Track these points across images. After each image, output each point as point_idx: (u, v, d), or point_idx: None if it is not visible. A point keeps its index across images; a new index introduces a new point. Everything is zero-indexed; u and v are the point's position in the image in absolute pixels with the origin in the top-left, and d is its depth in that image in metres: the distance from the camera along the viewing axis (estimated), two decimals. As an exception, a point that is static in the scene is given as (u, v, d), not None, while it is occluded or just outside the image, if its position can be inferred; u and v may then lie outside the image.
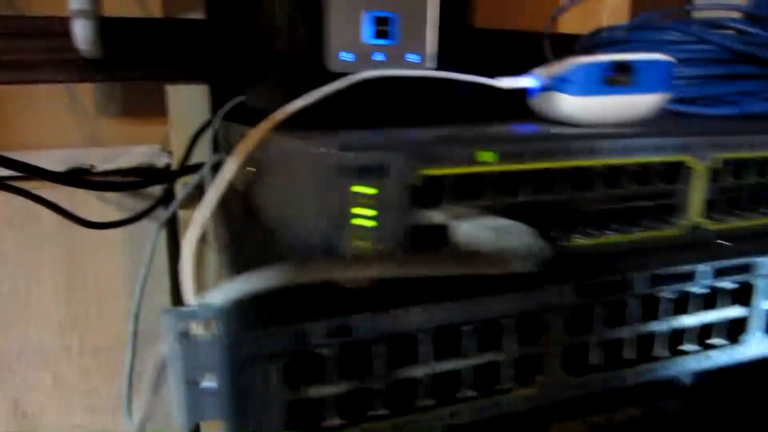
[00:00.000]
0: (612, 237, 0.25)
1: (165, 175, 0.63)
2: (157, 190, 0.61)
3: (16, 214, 0.60)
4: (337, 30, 0.34)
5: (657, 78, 0.27)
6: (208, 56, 0.58)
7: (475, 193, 0.23)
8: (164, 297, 0.63)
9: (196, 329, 0.22)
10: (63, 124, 0.64)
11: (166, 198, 0.62)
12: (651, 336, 0.25)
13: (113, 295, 0.63)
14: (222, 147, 0.55)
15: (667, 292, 0.25)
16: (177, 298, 0.64)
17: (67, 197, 0.62)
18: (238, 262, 0.28)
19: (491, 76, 0.37)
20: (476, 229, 0.21)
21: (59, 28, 0.52)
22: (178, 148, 0.60)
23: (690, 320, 0.26)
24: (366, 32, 0.35)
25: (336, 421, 0.21)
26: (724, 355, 0.26)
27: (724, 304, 0.26)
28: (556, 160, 0.23)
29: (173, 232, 0.63)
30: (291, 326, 0.20)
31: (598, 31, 0.56)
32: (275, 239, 0.28)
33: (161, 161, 0.66)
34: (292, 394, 0.20)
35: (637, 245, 0.26)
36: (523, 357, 0.23)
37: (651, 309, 0.25)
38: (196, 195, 0.59)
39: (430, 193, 0.22)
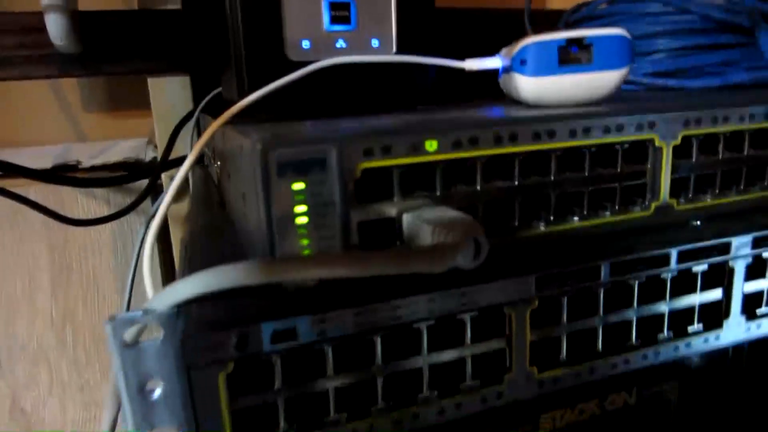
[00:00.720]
0: (575, 223, 0.24)
1: (150, 169, 0.61)
2: (144, 183, 0.59)
3: (3, 212, 0.59)
4: (294, 18, 0.32)
5: (615, 54, 0.25)
6: (187, 47, 0.56)
7: (423, 183, 0.21)
8: (156, 290, 0.62)
9: (143, 334, 0.21)
10: (48, 120, 0.63)
11: (153, 191, 0.61)
12: (625, 325, 0.24)
13: (104, 289, 0.62)
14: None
15: (638, 278, 0.23)
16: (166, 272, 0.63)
17: (53, 193, 0.61)
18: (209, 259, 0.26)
19: (462, 58, 0.35)
20: (417, 222, 0.19)
21: (36, 23, 0.50)
22: (163, 141, 0.59)
23: (665, 307, 0.24)
24: (324, 18, 0.33)
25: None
26: (703, 342, 0.25)
27: (701, 288, 0.25)
28: (508, 145, 0.22)
29: (162, 226, 0.62)
30: (235, 329, 0.19)
31: (579, 6, 0.54)
32: (234, 237, 0.27)
33: (148, 155, 0.64)
34: (239, 400, 0.19)
35: (605, 230, 0.24)
36: (487, 354, 0.22)
37: (622, 297, 0.23)
38: (185, 188, 0.57)
39: (374, 186, 0.20)
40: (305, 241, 0.19)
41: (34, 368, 0.62)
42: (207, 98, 0.54)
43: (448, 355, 0.21)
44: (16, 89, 0.59)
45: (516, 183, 0.22)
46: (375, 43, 0.34)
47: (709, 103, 0.25)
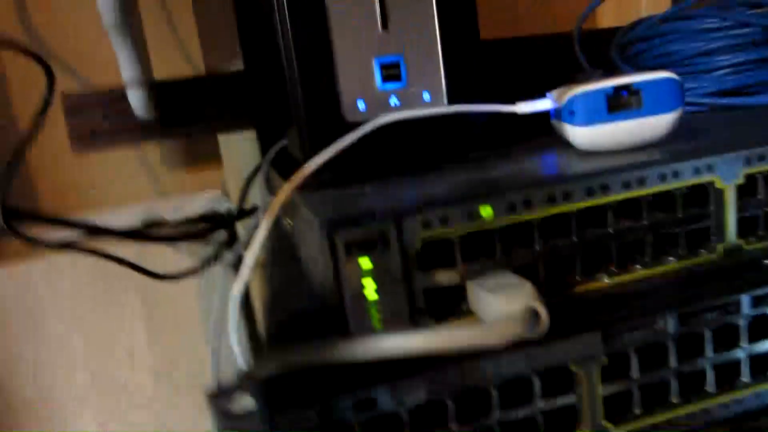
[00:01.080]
0: (639, 271, 0.24)
1: (227, 220, 0.65)
2: (222, 234, 0.63)
3: (98, 271, 0.64)
4: (348, 80, 0.34)
5: (665, 98, 0.25)
6: (251, 103, 0.60)
7: (483, 246, 0.22)
8: (241, 335, 0.66)
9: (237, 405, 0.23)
10: (132, 180, 0.68)
11: (231, 241, 0.64)
12: (700, 373, 0.23)
13: (193, 337, 0.66)
14: (273, 190, 0.56)
15: (709, 326, 0.23)
16: (252, 334, 0.66)
17: (142, 249, 0.66)
18: (283, 315, 0.28)
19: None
20: (479, 291, 0.20)
21: (117, 96, 0.56)
22: (235, 193, 0.63)
23: (741, 353, 0.23)
24: (376, 78, 0.34)
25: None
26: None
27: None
28: (562, 204, 0.22)
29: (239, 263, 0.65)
30: (318, 403, 0.20)
31: (633, 25, 0.53)
32: (310, 298, 0.28)
33: (223, 206, 0.68)
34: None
35: (669, 277, 0.24)
36: (557, 410, 0.22)
37: (695, 343, 0.23)
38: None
39: (437, 252, 0.21)
40: (375, 312, 0.21)
41: (140, 411, 0.66)
42: (272, 152, 0.57)
43: (519, 413, 0.21)
44: (102, 154, 0.65)
45: (574, 239, 0.23)
46: (426, 96, 0.36)
47: (765, 137, 0.24)
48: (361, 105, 0.35)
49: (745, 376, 0.24)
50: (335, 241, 0.20)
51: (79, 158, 0.61)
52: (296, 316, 0.27)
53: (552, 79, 0.59)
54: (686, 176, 0.23)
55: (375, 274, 0.20)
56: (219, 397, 0.22)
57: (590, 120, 0.25)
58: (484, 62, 0.37)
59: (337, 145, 0.32)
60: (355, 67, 0.34)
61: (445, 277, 0.22)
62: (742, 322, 0.23)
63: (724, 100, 0.43)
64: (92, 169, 0.66)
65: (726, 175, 0.24)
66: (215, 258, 0.61)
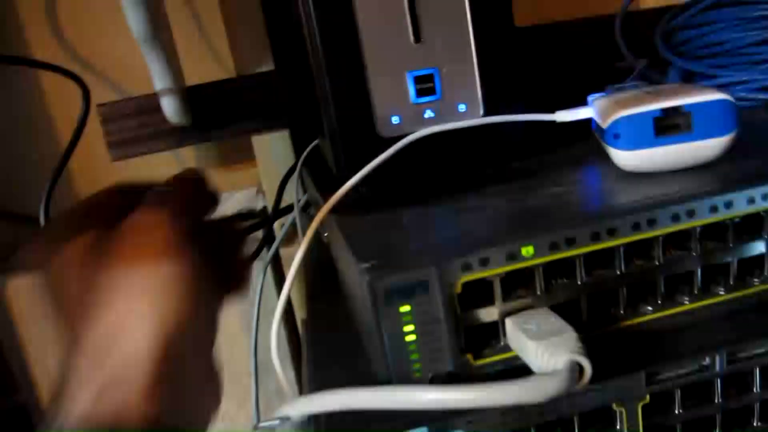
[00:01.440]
0: (686, 305, 0.23)
1: (263, 219, 0.66)
2: (259, 232, 0.65)
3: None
4: (381, 95, 0.34)
5: (717, 121, 0.24)
6: (284, 104, 0.60)
7: (523, 281, 0.22)
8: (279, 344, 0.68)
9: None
10: None
11: (268, 238, 0.66)
12: (747, 409, 0.23)
13: (232, 329, 0.68)
14: (307, 188, 0.56)
15: (756, 365, 0.22)
16: (289, 329, 0.68)
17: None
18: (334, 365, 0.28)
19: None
20: (519, 333, 0.20)
21: (151, 103, 0.56)
22: (270, 191, 0.64)
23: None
24: (410, 92, 0.34)
25: None
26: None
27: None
28: (606, 240, 0.22)
29: (278, 269, 0.67)
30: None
31: (679, 10, 0.50)
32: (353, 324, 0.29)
33: (259, 204, 0.70)
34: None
35: (719, 310, 0.23)
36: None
37: (740, 383, 0.22)
38: (292, 234, 0.61)
39: (477, 291, 0.21)
40: (415, 356, 0.21)
41: None
42: (306, 152, 0.57)
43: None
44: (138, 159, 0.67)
45: (618, 272, 0.22)
46: (462, 108, 0.35)
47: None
48: (395, 119, 0.34)
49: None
50: (376, 290, 0.20)
51: (117, 165, 0.62)
52: (339, 344, 0.27)
53: (591, 69, 0.57)
54: (739, 207, 0.22)
55: (415, 318, 0.20)
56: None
57: (636, 144, 0.24)
58: (521, 69, 0.36)
59: (372, 163, 0.32)
60: (388, 81, 0.34)
61: (484, 316, 0.22)
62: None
63: (778, 95, 0.40)
64: (131, 174, 0.68)
65: (783, 204, 0.23)
66: (257, 255, 0.61)
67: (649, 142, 0.24)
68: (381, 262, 0.21)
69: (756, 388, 0.22)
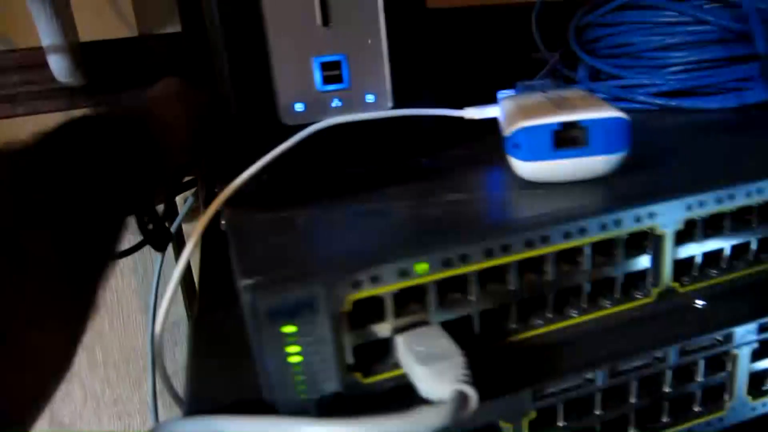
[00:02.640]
0: (576, 318, 0.23)
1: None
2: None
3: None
4: (285, 80, 0.32)
5: (612, 138, 0.24)
6: (190, 69, 0.56)
7: (416, 299, 0.21)
8: (180, 309, 0.64)
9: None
10: None
11: (169, 212, 0.62)
12: (623, 418, 0.24)
13: (128, 309, 0.64)
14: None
15: (636, 378, 0.23)
16: (191, 309, 0.65)
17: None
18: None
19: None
20: (408, 355, 0.20)
21: (40, 58, 0.50)
22: (172, 164, 0.59)
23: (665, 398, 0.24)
24: (316, 79, 0.32)
25: None
26: (706, 425, 0.25)
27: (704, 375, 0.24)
28: (500, 256, 0.21)
29: (180, 246, 0.63)
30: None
31: (587, 10, 0.51)
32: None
33: (160, 176, 0.65)
34: None
35: (606, 323, 0.24)
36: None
37: (620, 394, 0.23)
38: (198, 207, 0.58)
39: (364, 313, 0.21)
40: (300, 378, 0.20)
41: (68, 385, 0.66)
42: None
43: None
44: (35, 120, 0.60)
45: (510, 287, 0.22)
46: (370, 98, 0.34)
47: (713, 182, 0.24)
48: (299, 107, 0.33)
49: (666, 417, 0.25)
50: (258, 310, 0.19)
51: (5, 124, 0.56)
52: (226, 349, 0.26)
53: (506, 58, 0.57)
54: (628, 224, 0.23)
55: (300, 339, 0.19)
56: None
57: (535, 156, 0.24)
58: (432, 57, 0.35)
59: (272, 153, 0.30)
60: (293, 66, 0.32)
61: (374, 332, 0.21)
62: (668, 371, 0.24)
63: (674, 102, 0.42)
64: (11, 136, 0.61)
65: (666, 223, 0.23)
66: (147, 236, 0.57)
67: (547, 154, 0.24)
68: (265, 277, 0.19)
69: (633, 398, 0.24)
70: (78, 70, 0.49)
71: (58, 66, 0.48)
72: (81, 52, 0.50)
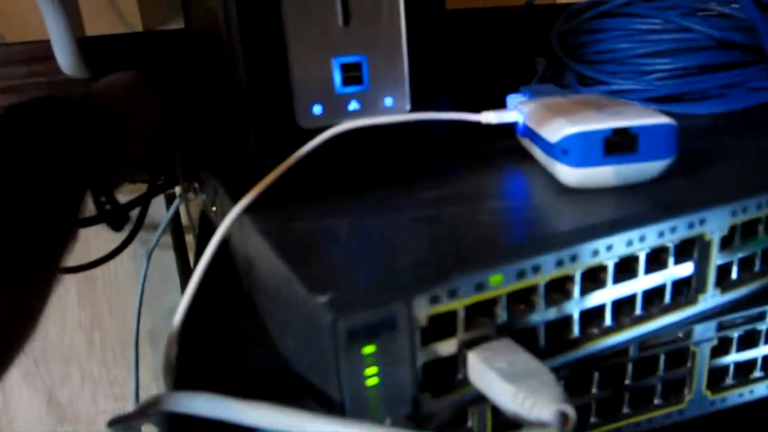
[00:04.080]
0: (628, 326, 0.23)
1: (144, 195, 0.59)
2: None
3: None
4: (303, 82, 0.30)
5: (662, 144, 0.24)
6: (191, 65, 0.53)
7: (486, 314, 0.20)
8: (175, 296, 0.62)
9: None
10: None
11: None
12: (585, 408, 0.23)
13: (126, 293, 0.62)
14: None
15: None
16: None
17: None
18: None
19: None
20: (487, 371, 0.18)
21: (44, 51, 0.47)
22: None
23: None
24: (335, 81, 0.30)
25: None
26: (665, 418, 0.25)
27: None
28: (569, 266, 0.21)
29: (179, 234, 0.60)
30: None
31: (569, 16, 0.52)
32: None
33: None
34: None
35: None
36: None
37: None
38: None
39: (438, 328, 0.19)
40: (375, 400, 0.18)
41: (66, 367, 0.64)
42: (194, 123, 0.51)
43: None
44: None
45: (576, 296, 0.21)
46: (389, 101, 0.32)
47: (754, 188, 0.24)
48: (317, 109, 0.30)
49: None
50: (338, 330, 0.17)
51: None
52: (237, 355, 0.24)
53: (503, 59, 0.57)
54: (681, 232, 0.23)
55: (379, 359, 0.18)
56: (121, 422, 0.20)
57: (584, 162, 0.24)
58: (449, 60, 0.34)
59: (293, 157, 0.28)
60: (312, 67, 0.30)
61: (443, 349, 0.20)
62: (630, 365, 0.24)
63: (664, 107, 0.43)
64: None
65: (714, 229, 0.23)
66: (142, 219, 0.54)
67: (596, 160, 0.24)
68: (338, 294, 0.18)
69: (595, 389, 0.23)
70: (83, 62, 0.46)
71: (65, 59, 0.45)
72: (86, 46, 0.48)
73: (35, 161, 0.27)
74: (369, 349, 0.17)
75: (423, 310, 0.18)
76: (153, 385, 0.62)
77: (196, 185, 0.47)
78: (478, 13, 0.59)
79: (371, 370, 0.17)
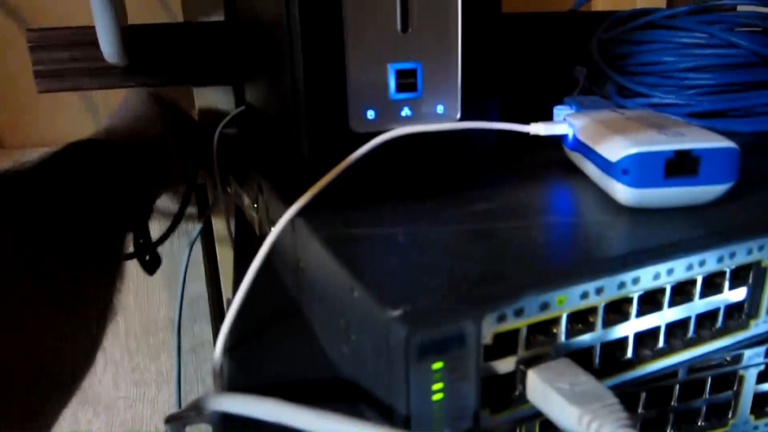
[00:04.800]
0: (681, 350, 0.23)
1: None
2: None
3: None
4: (358, 86, 0.30)
5: (724, 168, 0.23)
6: (230, 57, 0.54)
7: (544, 332, 0.20)
8: (200, 285, 0.63)
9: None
10: (88, 127, 0.60)
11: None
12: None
13: (152, 283, 0.62)
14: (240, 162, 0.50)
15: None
16: (212, 285, 0.63)
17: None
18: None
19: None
20: (550, 391, 0.18)
21: (86, 37, 0.49)
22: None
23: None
24: (390, 86, 0.30)
25: None
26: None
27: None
28: (631, 288, 0.21)
29: (207, 224, 0.61)
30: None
31: (614, 24, 0.51)
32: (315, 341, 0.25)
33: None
34: None
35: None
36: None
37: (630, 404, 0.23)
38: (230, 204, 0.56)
39: (501, 346, 0.19)
40: (439, 415, 0.18)
41: None
42: (230, 116, 0.52)
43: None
44: (64, 96, 0.57)
45: (633, 317, 0.22)
46: (440, 109, 0.32)
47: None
48: (370, 114, 0.31)
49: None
50: (409, 345, 0.17)
51: (44, 97, 0.53)
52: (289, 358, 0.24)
53: (542, 67, 0.56)
54: (740, 257, 0.22)
55: (446, 375, 0.18)
56: (178, 419, 0.21)
57: (645, 183, 0.23)
58: (500, 69, 0.34)
59: (347, 160, 0.28)
60: (369, 71, 0.30)
61: (503, 366, 0.20)
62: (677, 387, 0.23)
63: (707, 123, 0.43)
64: (57, 109, 0.58)
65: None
66: (181, 215, 0.54)
67: (657, 182, 0.24)
68: (411, 308, 0.18)
69: (641, 409, 0.23)
70: (124, 50, 0.46)
71: (108, 47, 0.45)
72: (127, 34, 0.48)
73: (87, 206, 0.28)
74: (438, 365, 0.17)
75: (490, 328, 0.18)
76: (172, 373, 0.63)
77: (231, 179, 0.47)
78: (517, 19, 0.58)
79: (438, 386, 0.18)
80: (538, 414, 0.19)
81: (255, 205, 0.37)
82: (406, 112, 0.31)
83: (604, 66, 0.48)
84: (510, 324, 0.18)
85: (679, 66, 0.44)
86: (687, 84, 0.44)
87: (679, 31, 0.45)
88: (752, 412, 0.25)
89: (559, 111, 0.34)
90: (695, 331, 0.23)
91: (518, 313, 0.18)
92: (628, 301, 0.21)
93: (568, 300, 0.19)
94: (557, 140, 0.31)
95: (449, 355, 0.17)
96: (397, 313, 0.17)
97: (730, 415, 0.25)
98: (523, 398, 0.20)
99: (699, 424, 0.25)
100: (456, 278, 0.20)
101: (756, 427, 0.25)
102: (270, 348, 0.25)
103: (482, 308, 0.18)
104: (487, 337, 0.18)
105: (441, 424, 0.18)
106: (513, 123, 0.32)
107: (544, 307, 0.19)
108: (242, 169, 0.41)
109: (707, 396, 0.24)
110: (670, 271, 0.21)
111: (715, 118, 0.42)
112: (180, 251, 0.59)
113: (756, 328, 0.24)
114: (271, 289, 0.30)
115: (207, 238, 0.61)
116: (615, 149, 0.24)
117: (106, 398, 0.65)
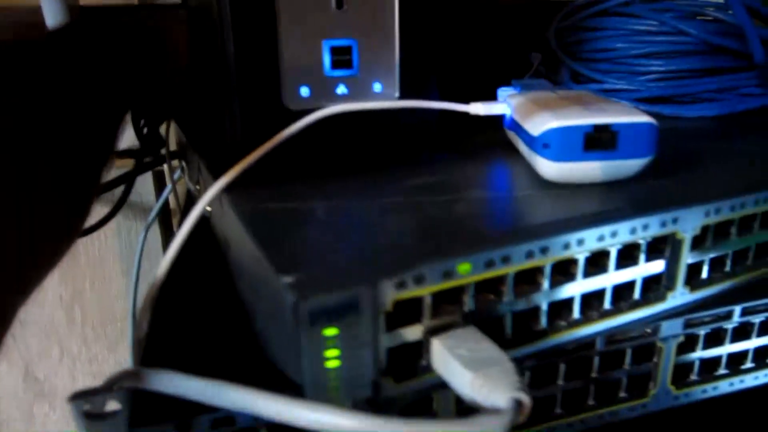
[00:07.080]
0: (596, 320, 0.23)
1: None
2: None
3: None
4: (292, 63, 0.29)
5: (642, 142, 0.23)
6: (185, 41, 0.53)
7: (448, 300, 0.20)
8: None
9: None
10: None
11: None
12: (550, 399, 0.23)
13: (109, 271, 0.61)
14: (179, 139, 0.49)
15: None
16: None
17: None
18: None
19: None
20: (449, 357, 0.18)
21: (33, 18, 0.45)
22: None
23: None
24: (324, 63, 0.30)
25: None
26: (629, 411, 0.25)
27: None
28: (540, 258, 0.20)
29: (165, 212, 0.60)
30: (181, 417, 0.18)
31: (566, 14, 0.51)
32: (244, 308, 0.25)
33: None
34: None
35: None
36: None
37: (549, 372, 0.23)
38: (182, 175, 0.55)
39: (402, 314, 0.19)
40: (335, 383, 0.18)
41: (45, 341, 0.62)
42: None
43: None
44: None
45: (545, 287, 0.21)
46: (377, 87, 0.32)
47: (728, 190, 0.24)
48: (304, 91, 0.30)
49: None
50: (299, 311, 0.17)
51: None
52: (205, 327, 0.24)
53: (501, 53, 0.56)
54: (654, 229, 0.22)
55: (340, 342, 0.18)
56: (83, 397, 0.19)
57: (564, 157, 0.23)
58: (439, 48, 0.33)
59: (278, 138, 0.28)
60: (303, 48, 0.29)
61: (408, 335, 0.19)
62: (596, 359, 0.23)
63: (655, 108, 0.43)
64: None
65: (687, 228, 0.23)
66: (125, 198, 0.53)
67: (576, 155, 0.24)
68: (304, 275, 0.17)
69: (561, 381, 0.23)
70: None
71: (54, 22, 0.44)
72: (78, 15, 0.47)
73: (84, 80, 0.23)
74: (331, 332, 0.17)
75: (388, 295, 0.18)
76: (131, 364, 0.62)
77: (184, 164, 0.46)
78: (480, 4, 0.58)
79: (332, 353, 0.17)
80: (445, 384, 0.19)
81: (197, 186, 0.36)
82: (342, 89, 0.30)
83: (559, 52, 0.48)
84: (411, 291, 0.18)
85: (631, 52, 0.44)
86: (638, 70, 0.44)
87: (631, 18, 0.45)
88: (673, 382, 0.25)
89: (503, 92, 0.34)
90: (612, 303, 0.23)
91: (419, 280, 0.18)
92: (540, 271, 0.21)
93: (473, 269, 0.19)
94: (501, 122, 0.31)
95: (343, 321, 0.17)
96: (289, 279, 0.17)
97: (651, 386, 0.25)
98: (429, 367, 0.19)
99: (620, 395, 0.24)
100: (361, 249, 0.19)
101: (677, 398, 0.25)
102: (198, 325, 0.25)
103: (377, 274, 0.17)
104: (387, 305, 0.18)
105: (339, 392, 0.18)
106: (452, 102, 0.31)
107: (447, 275, 0.18)
108: (188, 151, 0.41)
109: (627, 367, 0.24)
110: (580, 242, 0.21)
111: (663, 103, 0.42)
112: (137, 236, 0.58)
113: (673, 300, 0.24)
114: (209, 269, 0.29)
115: (165, 223, 0.60)
116: (537, 124, 0.24)
117: (62, 391, 0.64)
